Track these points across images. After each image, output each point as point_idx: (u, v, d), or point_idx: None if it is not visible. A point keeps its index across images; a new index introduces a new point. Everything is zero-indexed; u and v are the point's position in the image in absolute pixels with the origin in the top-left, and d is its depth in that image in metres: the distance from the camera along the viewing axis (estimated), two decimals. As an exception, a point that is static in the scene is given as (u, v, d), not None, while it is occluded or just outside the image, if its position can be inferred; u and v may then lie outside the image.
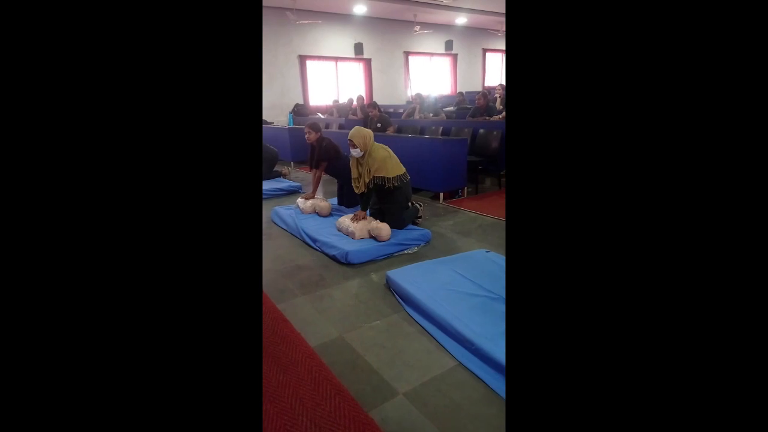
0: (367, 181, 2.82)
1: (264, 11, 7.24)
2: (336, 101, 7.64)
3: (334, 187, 3.66)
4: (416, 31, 8.45)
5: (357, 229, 2.66)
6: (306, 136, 3.44)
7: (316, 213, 3.28)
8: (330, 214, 3.25)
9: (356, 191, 2.97)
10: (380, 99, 6.88)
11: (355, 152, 2.81)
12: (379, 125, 5.34)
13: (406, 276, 2.06)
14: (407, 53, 9.33)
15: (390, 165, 2.78)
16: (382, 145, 2.89)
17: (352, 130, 2.85)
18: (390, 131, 5.21)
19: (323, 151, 3.39)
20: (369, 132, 2.85)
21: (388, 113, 5.86)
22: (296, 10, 7.11)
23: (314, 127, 3.44)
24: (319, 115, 7.43)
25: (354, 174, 2.94)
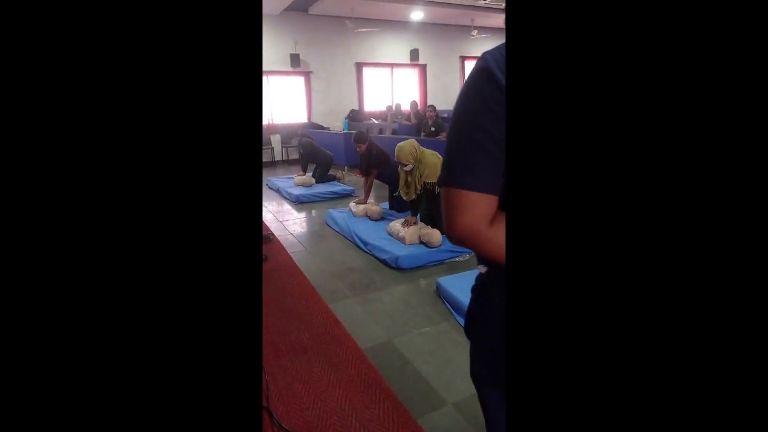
0: (418, 187, 2.82)
1: (324, 20, 7.52)
2: (390, 107, 7.74)
3: (386, 192, 3.70)
4: (473, 36, 8.33)
5: (408, 235, 2.67)
6: (357, 149, 3.51)
7: (368, 217, 3.33)
8: (381, 218, 3.29)
9: (405, 198, 2.97)
10: (434, 104, 6.86)
11: (407, 168, 2.81)
12: (433, 129, 5.32)
13: (457, 284, 2.03)
14: (463, 58, 9.22)
15: (441, 170, 2.76)
16: (432, 151, 2.88)
17: (396, 149, 2.82)
18: (443, 136, 5.18)
19: (373, 159, 3.44)
20: (411, 143, 2.83)
21: (442, 118, 5.83)
22: (354, 18, 7.31)
23: (360, 138, 3.49)
24: (374, 120, 7.55)
25: (401, 183, 2.94)
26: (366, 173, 3.55)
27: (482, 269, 0.65)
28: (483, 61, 0.52)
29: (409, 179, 2.86)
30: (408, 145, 2.81)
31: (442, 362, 1.56)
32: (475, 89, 0.52)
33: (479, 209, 0.53)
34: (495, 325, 0.63)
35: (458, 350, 1.63)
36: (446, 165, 0.56)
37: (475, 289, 0.68)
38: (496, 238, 0.53)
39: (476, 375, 0.71)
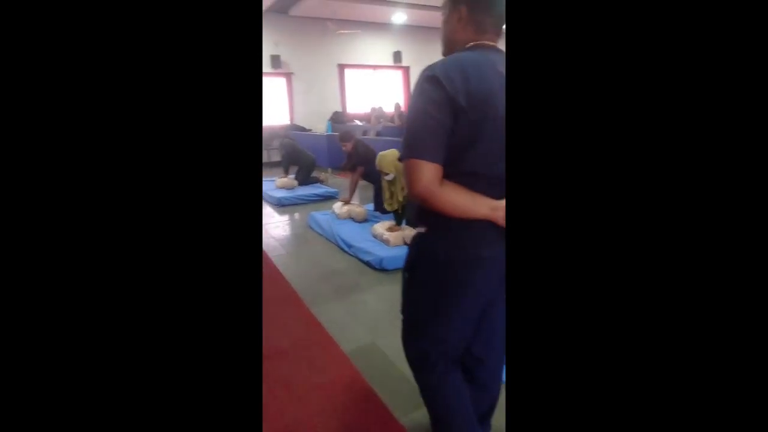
0: (400, 198, 2.82)
1: (305, 22, 7.48)
2: (374, 109, 7.75)
3: (371, 193, 3.70)
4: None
5: (392, 237, 2.67)
6: (343, 148, 3.50)
7: (352, 219, 3.32)
8: (365, 220, 3.28)
9: (389, 209, 2.97)
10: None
11: (389, 177, 2.82)
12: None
13: (440, 284, 2.03)
14: (445, 60, 9.31)
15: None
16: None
17: (377, 158, 2.84)
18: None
19: (361, 156, 3.43)
20: (393, 152, 2.84)
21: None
22: (336, 20, 7.30)
23: (346, 137, 3.49)
24: (357, 122, 7.54)
25: (386, 195, 2.94)
26: (352, 170, 3.55)
27: (422, 230, 0.86)
28: (431, 70, 0.75)
29: (392, 189, 2.87)
30: (390, 154, 2.81)
31: (425, 362, 1.56)
32: (426, 90, 0.73)
33: (432, 173, 0.73)
34: (435, 273, 0.85)
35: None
36: (406, 144, 0.76)
37: (416, 245, 0.88)
38: (444, 195, 0.75)
39: (415, 326, 0.96)
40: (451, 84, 0.71)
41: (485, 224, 0.79)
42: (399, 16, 7.68)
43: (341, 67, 8.11)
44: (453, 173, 0.76)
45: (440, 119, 0.72)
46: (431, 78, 0.73)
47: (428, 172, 0.73)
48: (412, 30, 8.51)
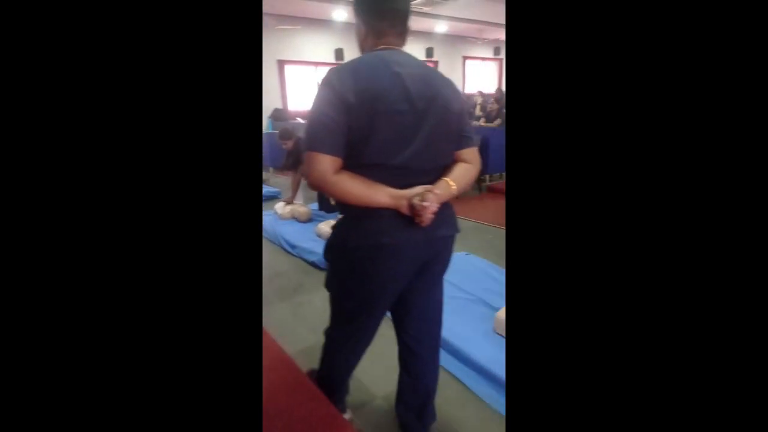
0: None
1: (242, 16, 7.18)
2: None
3: (314, 192, 3.65)
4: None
5: (336, 234, 2.65)
6: (283, 146, 3.42)
7: (295, 219, 3.25)
8: (310, 220, 3.23)
9: (331, 202, 2.96)
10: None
11: None
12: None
13: (384, 280, 2.06)
14: (387, 59, 9.38)
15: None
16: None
17: None
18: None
19: (302, 155, 3.37)
20: None
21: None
22: (275, 15, 7.08)
23: (285, 134, 3.41)
24: (299, 120, 7.38)
25: None
26: (293, 168, 3.47)
27: (339, 216, 0.95)
28: (328, 74, 0.85)
29: None
30: None
31: (372, 357, 1.57)
32: (324, 92, 0.83)
33: (326, 164, 0.81)
34: (343, 258, 0.93)
35: (388, 343, 1.66)
36: (306, 137, 0.85)
37: (333, 231, 0.97)
38: (340, 183, 0.82)
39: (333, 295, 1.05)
40: (342, 84, 0.80)
41: (389, 213, 0.85)
42: (339, 14, 7.63)
43: (281, 63, 7.90)
44: (355, 165, 0.83)
45: (333, 116, 0.80)
46: (326, 80, 0.83)
47: (322, 162, 0.80)
48: (353, 28, 8.49)
